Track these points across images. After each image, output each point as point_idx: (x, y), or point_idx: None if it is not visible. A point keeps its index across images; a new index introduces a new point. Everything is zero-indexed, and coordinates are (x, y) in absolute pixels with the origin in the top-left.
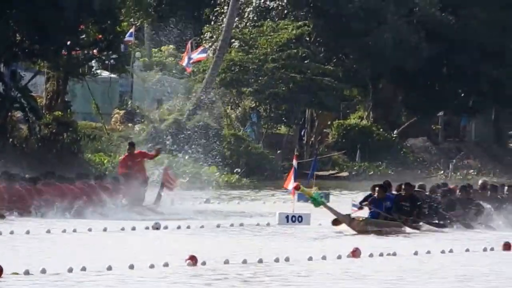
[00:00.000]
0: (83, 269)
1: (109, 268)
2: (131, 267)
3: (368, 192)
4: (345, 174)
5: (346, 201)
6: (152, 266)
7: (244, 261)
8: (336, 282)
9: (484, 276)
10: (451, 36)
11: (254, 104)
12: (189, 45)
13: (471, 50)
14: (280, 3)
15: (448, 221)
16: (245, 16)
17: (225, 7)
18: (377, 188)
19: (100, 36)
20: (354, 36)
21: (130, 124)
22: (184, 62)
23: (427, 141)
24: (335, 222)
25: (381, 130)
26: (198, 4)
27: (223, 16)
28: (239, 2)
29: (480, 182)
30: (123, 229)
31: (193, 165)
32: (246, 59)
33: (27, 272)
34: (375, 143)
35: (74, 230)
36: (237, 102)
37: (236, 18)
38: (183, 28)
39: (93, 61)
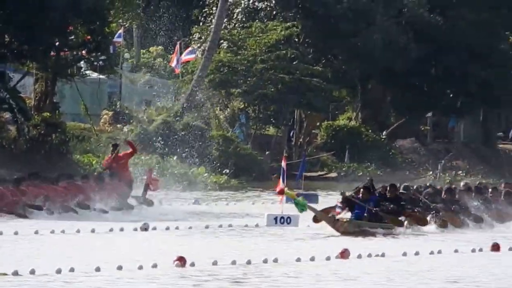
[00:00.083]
0: (72, 270)
1: (98, 269)
2: (120, 268)
3: None
4: (333, 175)
5: (334, 202)
6: (140, 267)
7: (233, 262)
8: (325, 283)
9: (472, 277)
10: (439, 37)
11: (242, 105)
12: (178, 46)
13: (459, 51)
14: (269, 4)
15: (433, 211)
16: (234, 17)
17: (214, 8)
18: (361, 190)
19: (89, 37)
20: (343, 37)
21: (118, 125)
22: (173, 63)
23: (416, 142)
24: (315, 219)
25: (370, 131)
26: (187, 5)
27: (211, 17)
28: (228, 3)
29: (462, 184)
30: (111, 230)
31: (181, 166)
32: (235, 60)
33: (15, 273)
34: (364, 144)
35: (63, 231)
36: (225, 103)
37: (225, 19)
38: (172, 29)
39: (81, 62)
